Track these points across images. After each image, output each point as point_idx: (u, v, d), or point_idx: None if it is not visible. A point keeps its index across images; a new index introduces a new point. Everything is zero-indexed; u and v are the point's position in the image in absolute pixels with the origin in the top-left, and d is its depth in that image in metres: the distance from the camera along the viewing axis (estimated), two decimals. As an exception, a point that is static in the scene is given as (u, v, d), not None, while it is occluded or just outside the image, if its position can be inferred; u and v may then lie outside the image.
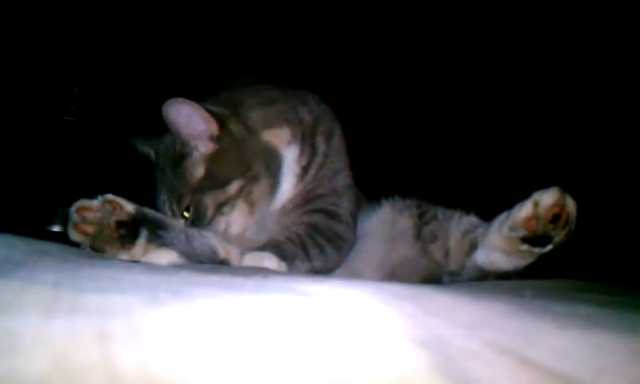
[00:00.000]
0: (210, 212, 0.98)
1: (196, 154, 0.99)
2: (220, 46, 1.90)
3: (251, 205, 1.00)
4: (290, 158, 1.06)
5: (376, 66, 1.96)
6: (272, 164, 1.04)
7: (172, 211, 1.00)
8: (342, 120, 1.19)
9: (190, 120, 0.97)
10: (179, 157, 1.00)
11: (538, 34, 1.85)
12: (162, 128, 1.01)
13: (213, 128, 0.99)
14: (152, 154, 1.11)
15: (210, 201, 0.98)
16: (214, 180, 0.99)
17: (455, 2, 1.89)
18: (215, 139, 1.00)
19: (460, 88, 1.94)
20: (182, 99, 0.95)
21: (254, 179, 1.00)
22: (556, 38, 1.83)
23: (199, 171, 0.99)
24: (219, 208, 0.98)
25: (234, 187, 0.99)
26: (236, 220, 0.99)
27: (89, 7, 1.83)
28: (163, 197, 1.02)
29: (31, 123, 1.83)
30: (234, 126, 1.02)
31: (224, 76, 1.25)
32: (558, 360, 0.38)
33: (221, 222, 0.98)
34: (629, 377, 0.37)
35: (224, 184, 0.99)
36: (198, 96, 1.07)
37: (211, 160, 0.99)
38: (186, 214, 0.99)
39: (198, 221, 0.98)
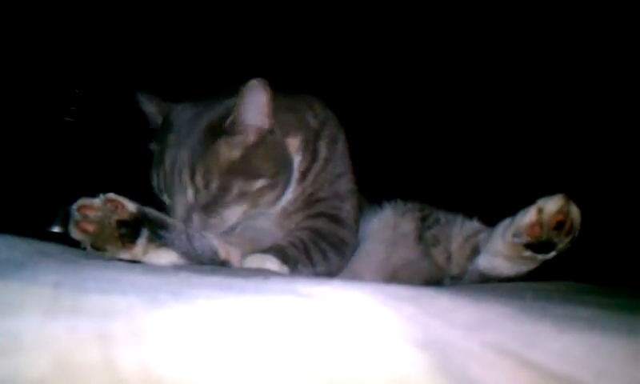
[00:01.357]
0: (231, 198, 0.95)
1: (240, 138, 0.96)
2: (220, 49, 1.90)
3: (256, 205, 0.99)
4: (295, 164, 1.06)
5: (378, 68, 1.96)
6: (290, 174, 1.04)
7: (191, 178, 0.94)
8: (344, 123, 1.18)
9: (259, 106, 0.95)
10: (222, 132, 0.95)
11: (545, 38, 1.84)
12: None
13: (267, 123, 0.98)
14: (159, 116, 1.06)
15: (236, 187, 0.95)
16: (248, 169, 0.96)
17: (458, 7, 1.89)
18: (265, 133, 0.98)
19: (463, 91, 1.94)
20: (266, 83, 0.93)
21: (274, 185, 1.00)
22: (563, 43, 1.83)
23: (235, 155, 0.96)
24: (239, 198, 0.96)
25: (259, 184, 0.97)
26: (236, 213, 0.98)
27: (89, 8, 1.83)
28: (180, 161, 0.95)
29: (32, 124, 1.83)
30: (277, 129, 1.01)
31: (225, 78, 1.24)
32: (557, 362, 0.38)
33: (234, 211, 0.97)
34: (628, 379, 0.37)
35: (254, 177, 0.97)
36: (198, 98, 1.07)
37: (250, 150, 0.97)
38: (202, 189, 0.94)
39: (216, 201, 0.95)
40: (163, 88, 1.05)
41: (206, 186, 0.94)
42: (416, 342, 0.37)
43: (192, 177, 0.93)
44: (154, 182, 0.99)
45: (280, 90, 1.15)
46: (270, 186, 0.99)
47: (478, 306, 0.50)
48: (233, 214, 0.97)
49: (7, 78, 1.74)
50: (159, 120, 1.05)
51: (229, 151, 0.95)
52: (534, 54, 1.87)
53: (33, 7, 1.77)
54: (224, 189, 0.95)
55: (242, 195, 0.96)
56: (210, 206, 0.95)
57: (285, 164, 1.02)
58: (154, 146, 1.03)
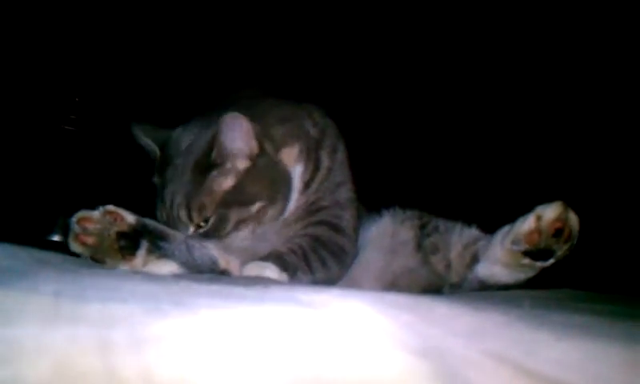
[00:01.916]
0: (230, 227, 0.95)
1: (229, 167, 0.96)
2: (219, 57, 1.91)
3: (260, 224, 0.99)
4: (296, 174, 1.05)
5: (375, 74, 1.97)
6: (288, 187, 1.03)
7: (188, 216, 0.94)
8: (342, 130, 1.18)
9: (240, 133, 0.95)
10: (211, 165, 0.95)
11: (542, 46, 1.85)
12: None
13: (254, 147, 0.97)
14: (156, 148, 1.05)
15: (233, 216, 0.95)
16: (241, 197, 0.96)
17: (457, 13, 1.91)
18: (254, 158, 0.97)
19: (460, 98, 1.94)
20: (239, 115, 0.93)
21: (273, 202, 0.99)
22: (559, 51, 1.84)
23: (228, 184, 0.96)
24: (238, 224, 0.96)
25: (256, 207, 0.97)
26: (243, 236, 0.97)
27: (90, 17, 1.84)
28: (177, 199, 0.95)
29: (32, 133, 1.83)
30: (269, 146, 1.00)
31: (223, 86, 1.25)
32: (555, 369, 0.38)
33: (234, 237, 0.97)
34: (625, 386, 0.37)
35: (249, 202, 0.96)
36: (198, 107, 1.08)
37: (243, 176, 0.96)
38: (202, 223, 0.95)
39: (216, 233, 0.95)
40: (163, 98, 1.05)
41: (205, 221, 0.95)
42: (415, 349, 0.38)
43: (189, 215, 0.94)
44: (158, 217, 0.98)
45: (279, 97, 1.16)
46: (270, 205, 0.99)
47: (477, 314, 0.51)
48: (237, 237, 0.97)
49: (8, 85, 1.75)
50: (155, 153, 1.05)
51: (221, 183, 0.95)
52: (527, 60, 1.88)
53: (33, 16, 1.77)
54: (222, 221, 0.95)
55: (241, 221, 0.96)
56: (212, 236, 0.95)
57: (281, 181, 1.01)
58: (156, 181, 1.03)
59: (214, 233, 0.95)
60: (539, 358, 0.40)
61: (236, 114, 0.93)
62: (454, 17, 1.91)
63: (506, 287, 0.95)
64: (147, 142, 1.06)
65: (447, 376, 0.36)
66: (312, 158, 1.08)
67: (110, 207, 0.82)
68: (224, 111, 0.97)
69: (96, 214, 0.81)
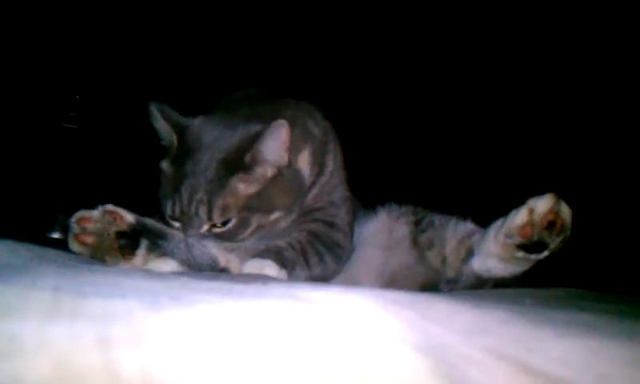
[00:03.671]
0: (249, 231, 0.94)
1: (259, 173, 0.93)
2: (218, 55, 1.91)
3: (270, 232, 0.98)
4: (305, 177, 1.05)
5: (369, 71, 1.97)
6: (304, 195, 1.03)
7: (208, 214, 0.90)
8: (337, 126, 1.18)
9: (280, 144, 0.93)
10: (240, 167, 0.92)
11: (534, 39, 1.86)
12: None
13: (285, 159, 0.96)
14: (173, 132, 0.97)
15: (254, 222, 0.94)
16: (264, 204, 0.94)
17: (450, 11, 1.91)
18: (282, 168, 0.96)
19: (453, 93, 1.95)
20: (286, 124, 0.90)
21: (290, 213, 0.99)
22: (551, 43, 1.84)
23: (252, 190, 0.93)
24: (258, 229, 0.95)
25: (274, 216, 0.96)
26: (253, 240, 0.97)
27: (90, 15, 1.84)
28: (197, 195, 0.90)
29: (32, 130, 1.83)
30: (292, 156, 0.99)
31: (224, 85, 1.24)
32: (557, 367, 0.38)
33: (250, 240, 0.96)
34: (627, 383, 0.37)
35: (270, 210, 0.95)
36: (199, 106, 1.07)
37: (267, 184, 0.94)
38: (218, 224, 0.92)
39: (233, 236, 0.93)
40: (164, 96, 1.03)
41: (224, 223, 0.92)
42: (416, 346, 0.37)
43: (209, 213, 0.90)
44: (168, 209, 0.93)
45: (280, 95, 1.15)
46: (285, 216, 0.98)
47: (478, 311, 0.50)
48: (248, 241, 0.96)
49: (8, 83, 1.75)
50: (172, 139, 0.97)
51: (246, 186, 0.92)
52: (517, 53, 1.88)
53: (33, 14, 1.77)
54: (242, 224, 0.93)
55: (261, 227, 0.95)
56: (225, 238, 0.94)
57: (299, 191, 1.01)
58: (166, 167, 0.97)
59: (231, 235, 0.93)
60: (540, 355, 0.40)
61: (284, 122, 0.90)
62: (447, 14, 1.91)
63: (502, 280, 0.95)
64: (164, 124, 0.97)
65: (447, 373, 0.35)
66: (317, 161, 1.07)
67: (110, 207, 0.82)
68: (243, 124, 0.95)
69: (95, 213, 0.81)
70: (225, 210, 0.91)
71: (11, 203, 1.63)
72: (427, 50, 1.94)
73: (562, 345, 0.42)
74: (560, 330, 0.45)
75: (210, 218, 0.91)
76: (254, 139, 0.91)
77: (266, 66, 1.85)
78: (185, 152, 0.94)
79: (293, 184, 0.99)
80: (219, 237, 0.93)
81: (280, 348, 0.35)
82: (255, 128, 0.92)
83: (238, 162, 0.92)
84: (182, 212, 0.91)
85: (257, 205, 0.93)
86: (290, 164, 0.98)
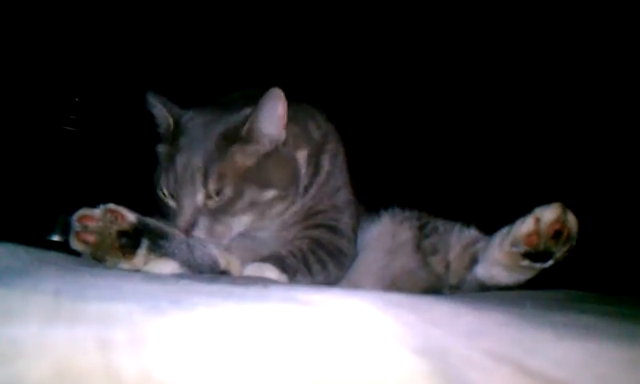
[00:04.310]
0: (242, 205, 0.95)
1: (255, 145, 0.96)
2: (218, 57, 1.91)
3: (264, 216, 0.99)
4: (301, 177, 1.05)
5: (374, 73, 1.97)
6: (298, 187, 1.03)
7: (203, 182, 0.92)
8: (342, 130, 1.18)
9: (276, 116, 0.95)
10: (237, 138, 0.95)
11: (541, 48, 1.86)
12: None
13: (282, 136, 0.98)
14: (170, 118, 1.00)
15: (248, 195, 0.95)
16: (260, 178, 0.96)
17: (455, 13, 1.91)
18: (278, 144, 0.98)
19: (460, 99, 1.95)
20: (283, 95, 0.93)
21: (285, 196, 0.99)
22: (557, 53, 1.84)
23: (249, 162, 0.96)
24: (250, 206, 0.95)
25: (269, 194, 0.97)
26: (243, 223, 0.97)
27: (90, 17, 1.84)
28: (193, 163, 0.92)
29: (32, 133, 1.83)
30: (289, 141, 1.01)
31: (224, 86, 1.24)
32: (557, 369, 0.38)
33: (241, 220, 0.96)
34: (627, 386, 0.37)
35: (265, 186, 0.96)
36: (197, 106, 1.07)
37: (263, 159, 0.97)
38: (213, 194, 0.93)
39: (225, 208, 0.94)
40: (164, 95, 1.04)
41: (219, 191, 0.93)
42: (416, 348, 0.37)
43: (205, 180, 0.92)
44: (162, 184, 0.96)
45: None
46: (281, 198, 0.99)
47: (478, 313, 0.50)
48: (240, 223, 0.96)
49: (8, 86, 1.75)
50: (168, 123, 1.01)
51: (243, 158, 0.95)
52: (526, 62, 1.88)
53: (33, 16, 1.78)
54: (236, 195, 0.94)
55: (253, 204, 0.96)
56: (219, 213, 0.94)
57: (295, 176, 1.02)
58: (162, 149, 1.01)
59: (223, 207, 0.94)
60: (540, 357, 0.40)
61: (279, 92, 0.93)
62: (452, 17, 1.91)
63: (505, 288, 0.95)
64: (161, 109, 1.01)
65: (448, 375, 0.35)
66: (312, 162, 1.08)
67: (111, 205, 0.82)
68: (242, 106, 0.98)
69: (97, 212, 0.81)
70: (221, 177, 0.92)
71: (11, 206, 1.63)
72: (436, 56, 1.94)
73: (562, 347, 0.42)
74: (560, 332, 0.45)
75: (204, 185, 0.92)
76: (251, 113, 0.95)
77: (271, 69, 1.85)
78: (180, 132, 0.98)
79: (289, 164, 1.01)
80: (213, 211, 0.93)
81: (280, 350, 0.35)
82: (252, 108, 0.96)
83: (235, 134, 0.95)
84: (175, 181, 0.93)
85: (253, 177, 0.95)
86: (287, 143, 1.00)
